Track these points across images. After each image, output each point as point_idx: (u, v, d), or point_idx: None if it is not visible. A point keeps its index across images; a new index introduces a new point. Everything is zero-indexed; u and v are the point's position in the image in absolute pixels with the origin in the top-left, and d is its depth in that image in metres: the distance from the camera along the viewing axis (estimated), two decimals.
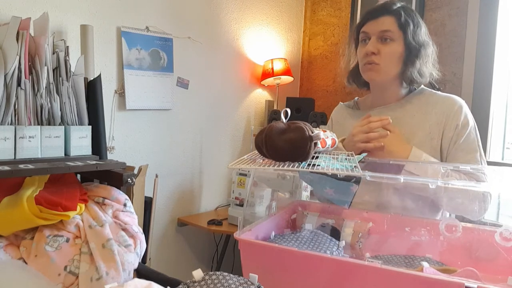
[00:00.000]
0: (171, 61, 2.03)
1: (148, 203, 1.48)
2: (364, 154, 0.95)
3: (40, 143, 0.92)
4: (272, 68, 2.46)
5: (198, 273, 0.58)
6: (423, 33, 1.12)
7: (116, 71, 1.83)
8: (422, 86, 1.18)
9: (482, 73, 2.03)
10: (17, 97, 0.89)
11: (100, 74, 1.10)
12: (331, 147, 0.89)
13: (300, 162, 0.73)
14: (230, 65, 2.40)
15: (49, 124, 0.95)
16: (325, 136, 0.84)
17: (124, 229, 0.86)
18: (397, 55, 1.10)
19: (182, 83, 2.11)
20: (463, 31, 2.09)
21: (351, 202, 0.85)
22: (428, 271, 0.65)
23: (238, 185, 2.10)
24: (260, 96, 2.63)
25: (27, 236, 0.79)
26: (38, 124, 0.93)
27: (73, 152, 0.97)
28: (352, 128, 1.08)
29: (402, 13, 1.10)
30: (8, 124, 0.87)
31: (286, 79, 2.53)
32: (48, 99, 0.95)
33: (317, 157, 0.79)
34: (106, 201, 0.89)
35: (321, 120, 2.28)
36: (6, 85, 0.87)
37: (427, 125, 1.10)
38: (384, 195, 1.01)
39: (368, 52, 1.11)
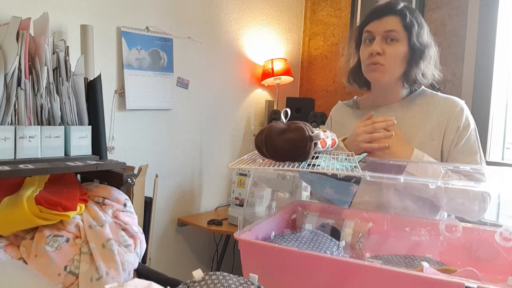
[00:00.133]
0: (171, 61, 2.03)
1: (148, 203, 1.48)
2: (364, 154, 0.95)
3: (40, 143, 0.92)
4: (272, 68, 2.46)
5: (198, 273, 0.58)
6: (426, 33, 1.11)
7: (116, 71, 1.83)
8: (423, 87, 1.18)
9: (482, 73, 2.03)
10: (17, 97, 0.89)
11: (100, 74, 1.10)
12: (331, 147, 0.89)
13: (300, 162, 0.73)
14: (230, 65, 2.39)
15: (49, 124, 0.95)
16: (325, 136, 0.84)
17: (124, 229, 0.86)
18: (402, 56, 1.09)
19: (182, 83, 2.11)
20: (463, 31, 2.09)
21: (351, 202, 0.85)
22: (428, 271, 0.65)
23: (238, 185, 2.10)
24: (260, 96, 2.63)
25: (27, 236, 0.79)
26: (38, 124, 0.93)
27: (73, 152, 0.97)
28: (355, 127, 1.07)
29: (407, 13, 1.08)
30: (8, 124, 0.87)
31: (286, 79, 2.53)
32: (48, 99, 0.95)
33: (317, 157, 0.79)
34: (106, 201, 0.90)
35: (321, 120, 2.28)
36: (6, 85, 0.87)
37: (428, 126, 1.10)
38: (384, 195, 1.01)
39: (373, 52, 1.09)
